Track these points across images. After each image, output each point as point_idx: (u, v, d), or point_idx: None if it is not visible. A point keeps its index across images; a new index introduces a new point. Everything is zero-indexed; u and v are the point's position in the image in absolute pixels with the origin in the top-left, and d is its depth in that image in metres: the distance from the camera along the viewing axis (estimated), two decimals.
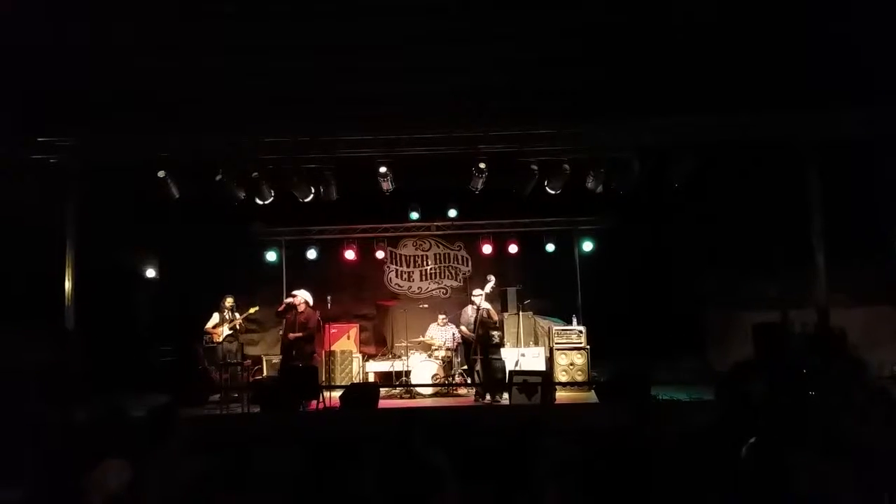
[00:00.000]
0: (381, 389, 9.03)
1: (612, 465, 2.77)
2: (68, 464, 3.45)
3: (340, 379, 10.34)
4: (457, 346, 10.45)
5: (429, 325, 10.95)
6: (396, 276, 12.34)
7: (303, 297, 9.30)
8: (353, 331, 11.35)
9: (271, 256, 11.65)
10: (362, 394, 8.19)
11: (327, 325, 10.67)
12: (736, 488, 2.90)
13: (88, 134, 8.48)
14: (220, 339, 9.98)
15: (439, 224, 11.96)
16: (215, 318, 10.16)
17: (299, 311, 9.19)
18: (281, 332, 9.54)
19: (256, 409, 8.10)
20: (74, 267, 8.58)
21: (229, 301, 10.14)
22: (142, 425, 3.59)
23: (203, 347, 10.08)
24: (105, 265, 10.03)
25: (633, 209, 10.62)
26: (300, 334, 9.08)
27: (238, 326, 10.15)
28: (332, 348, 10.68)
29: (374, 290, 12.22)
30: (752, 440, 2.93)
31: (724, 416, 3.29)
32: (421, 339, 10.73)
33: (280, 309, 9.41)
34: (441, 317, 10.89)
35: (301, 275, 11.63)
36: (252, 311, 10.32)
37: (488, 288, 9.51)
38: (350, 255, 11.59)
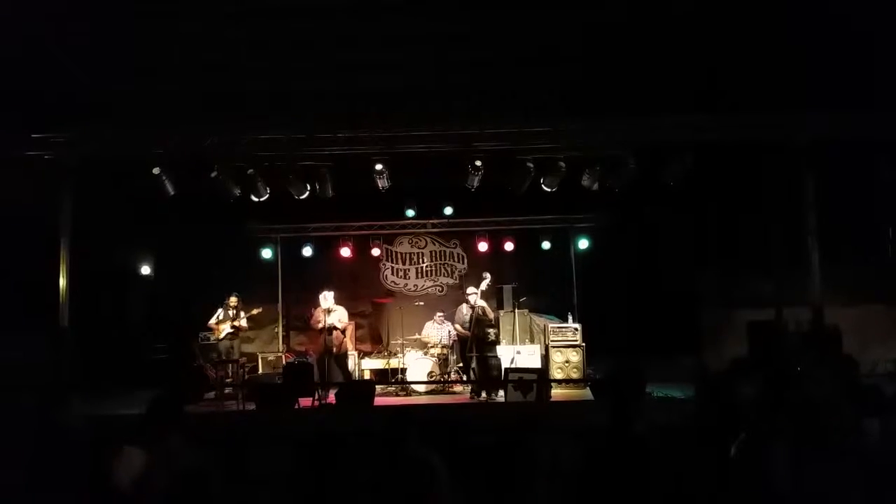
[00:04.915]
0: (376, 387, 9.04)
1: (605, 461, 2.78)
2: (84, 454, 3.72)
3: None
4: (452, 344, 10.45)
5: (424, 323, 10.95)
6: (392, 274, 12.33)
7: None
8: (349, 328, 11.32)
9: (267, 254, 11.62)
10: (357, 391, 8.19)
11: None
12: (725, 485, 2.91)
13: (83, 130, 8.45)
14: (221, 336, 9.96)
15: (435, 222, 11.95)
16: (219, 314, 10.11)
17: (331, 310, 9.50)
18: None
19: (252, 407, 8.11)
20: (69, 264, 8.55)
21: (234, 300, 10.09)
22: (145, 418, 3.63)
23: (199, 345, 10.06)
24: (100, 262, 10.01)
25: (629, 207, 10.63)
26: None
27: (240, 326, 10.11)
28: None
29: (370, 287, 12.20)
30: (742, 437, 2.94)
31: (708, 413, 3.30)
32: (417, 336, 10.73)
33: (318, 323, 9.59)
34: (438, 314, 10.88)
35: (297, 272, 11.64)
36: (255, 311, 10.26)
37: (483, 285, 9.52)
38: (346, 252, 11.57)
